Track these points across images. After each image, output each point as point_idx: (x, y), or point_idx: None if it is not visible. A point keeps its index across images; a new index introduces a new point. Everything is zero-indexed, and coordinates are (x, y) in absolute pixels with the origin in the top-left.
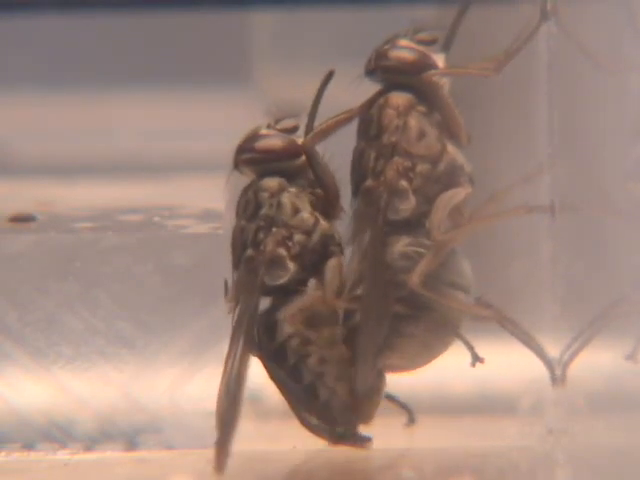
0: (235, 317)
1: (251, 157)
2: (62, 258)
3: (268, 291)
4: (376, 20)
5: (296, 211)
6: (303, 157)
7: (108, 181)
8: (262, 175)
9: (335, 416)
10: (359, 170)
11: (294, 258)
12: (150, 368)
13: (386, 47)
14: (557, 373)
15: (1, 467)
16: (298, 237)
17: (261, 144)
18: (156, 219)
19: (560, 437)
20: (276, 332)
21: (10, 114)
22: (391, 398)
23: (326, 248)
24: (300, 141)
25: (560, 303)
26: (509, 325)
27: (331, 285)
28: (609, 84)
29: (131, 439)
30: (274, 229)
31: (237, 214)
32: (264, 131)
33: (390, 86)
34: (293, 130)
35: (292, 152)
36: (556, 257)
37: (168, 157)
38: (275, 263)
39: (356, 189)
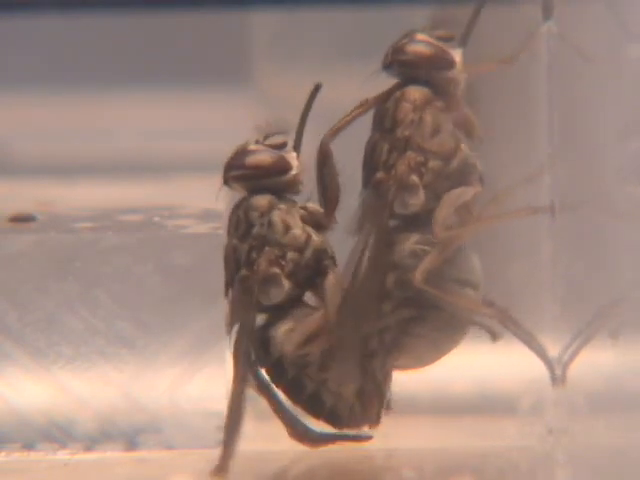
0: (235, 337)
1: (241, 174)
2: (62, 258)
3: (263, 309)
4: (376, 20)
5: (287, 228)
6: (292, 172)
7: (108, 181)
8: (252, 191)
9: (343, 420)
10: (371, 162)
11: (288, 276)
12: (150, 368)
13: (404, 41)
14: (557, 373)
15: (1, 467)
16: (291, 255)
17: (250, 160)
18: (156, 219)
19: (560, 437)
20: (270, 347)
21: (10, 114)
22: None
23: (319, 263)
24: (290, 156)
25: (560, 303)
26: (511, 324)
27: (332, 304)
28: (609, 84)
29: (131, 439)
30: (266, 248)
31: (228, 233)
32: (252, 147)
33: (407, 80)
34: (282, 146)
35: (281, 168)
36: (556, 257)
37: (168, 157)
38: (269, 282)
39: (367, 181)
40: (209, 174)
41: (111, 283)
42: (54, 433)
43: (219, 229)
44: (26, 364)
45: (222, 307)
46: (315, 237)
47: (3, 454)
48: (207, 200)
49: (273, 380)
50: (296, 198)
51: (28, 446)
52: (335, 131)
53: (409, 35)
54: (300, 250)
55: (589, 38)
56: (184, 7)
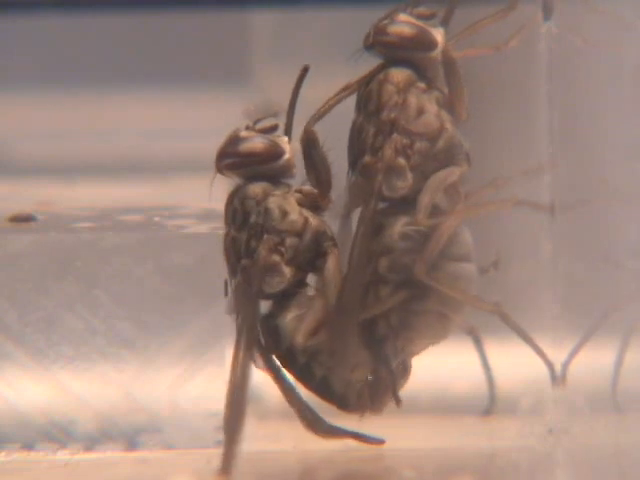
0: (237, 327)
1: (234, 162)
2: (62, 258)
3: (268, 296)
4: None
5: (284, 214)
6: (285, 157)
7: (108, 181)
8: (246, 178)
9: (351, 405)
10: (357, 146)
11: (289, 262)
12: (150, 368)
13: (385, 22)
14: (557, 373)
15: (1, 467)
16: (290, 240)
17: (243, 148)
18: (156, 219)
19: (560, 437)
20: (281, 336)
21: (10, 114)
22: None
23: (319, 245)
24: (282, 141)
25: (560, 303)
26: (511, 321)
27: (332, 287)
28: (609, 83)
29: (131, 439)
30: (265, 236)
31: (226, 224)
32: (244, 134)
33: (389, 61)
34: (272, 130)
35: (274, 153)
36: (556, 257)
37: (168, 157)
38: (271, 271)
39: (354, 164)
40: (209, 174)
41: (111, 283)
42: (54, 433)
43: (219, 229)
44: (26, 364)
45: (222, 307)
46: (313, 220)
47: (3, 454)
48: (207, 200)
49: (284, 366)
50: (292, 181)
51: (28, 446)
52: (319, 115)
53: (391, 15)
54: (299, 235)
55: (589, 36)
56: (184, 7)
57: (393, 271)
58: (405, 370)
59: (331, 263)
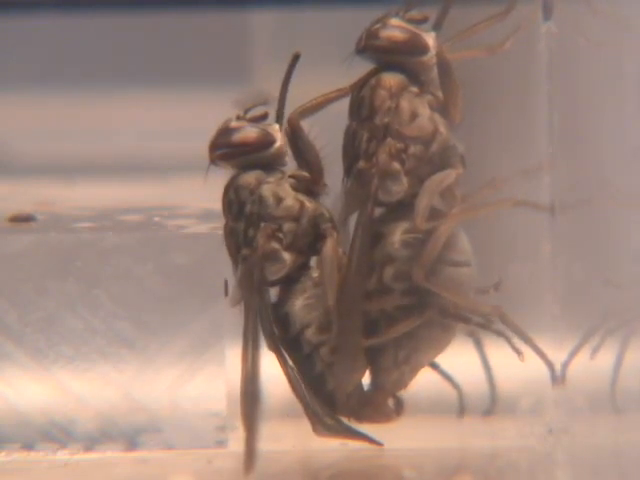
0: (243, 318)
1: (226, 152)
2: (62, 258)
3: (273, 283)
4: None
5: (279, 200)
6: (277, 144)
7: (108, 181)
8: (239, 167)
9: (337, 406)
10: (351, 151)
11: (288, 248)
12: (150, 368)
13: (377, 26)
14: (557, 373)
15: (1, 467)
16: (288, 226)
17: (235, 138)
18: (156, 219)
19: (560, 437)
20: (289, 324)
21: (10, 114)
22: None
23: (318, 228)
24: (272, 129)
25: (560, 303)
26: (511, 322)
27: (329, 270)
28: (609, 83)
29: (131, 439)
30: (262, 224)
31: (224, 215)
32: (235, 124)
33: (381, 65)
34: (263, 118)
35: (266, 142)
36: (556, 257)
37: (168, 157)
38: (270, 258)
39: (348, 170)
40: (209, 174)
41: (111, 283)
42: (54, 433)
43: (219, 229)
44: (26, 364)
45: (222, 307)
46: (308, 203)
47: (3, 454)
48: (207, 200)
49: (288, 353)
50: (287, 167)
51: (28, 446)
52: (304, 111)
53: (382, 20)
54: (296, 219)
55: (589, 36)
56: (184, 7)
57: (398, 280)
58: (399, 406)
59: (328, 246)
